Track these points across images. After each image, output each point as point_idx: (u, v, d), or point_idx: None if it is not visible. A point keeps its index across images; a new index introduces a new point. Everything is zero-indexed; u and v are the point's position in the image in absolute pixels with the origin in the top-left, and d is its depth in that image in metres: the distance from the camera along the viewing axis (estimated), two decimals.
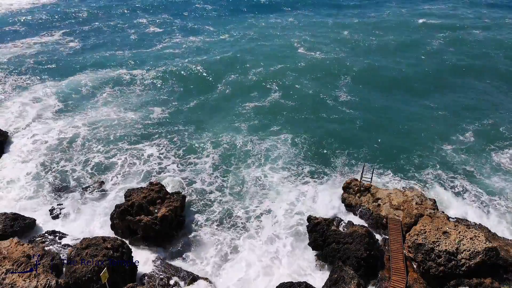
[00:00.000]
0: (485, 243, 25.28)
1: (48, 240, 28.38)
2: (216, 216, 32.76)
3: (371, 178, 34.15)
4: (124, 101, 52.15)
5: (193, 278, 26.08)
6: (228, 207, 33.64)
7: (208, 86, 56.62)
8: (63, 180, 36.64)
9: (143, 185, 34.72)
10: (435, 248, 25.56)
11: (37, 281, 22.25)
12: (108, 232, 30.02)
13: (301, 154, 40.85)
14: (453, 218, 31.14)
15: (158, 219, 29.16)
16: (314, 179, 37.19)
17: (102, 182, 36.29)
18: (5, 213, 29.74)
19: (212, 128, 45.78)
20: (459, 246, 25.33)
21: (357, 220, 31.67)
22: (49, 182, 36.15)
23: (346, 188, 33.81)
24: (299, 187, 36.08)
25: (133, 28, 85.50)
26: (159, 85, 56.68)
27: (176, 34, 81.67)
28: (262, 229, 31.34)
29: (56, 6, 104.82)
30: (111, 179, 36.84)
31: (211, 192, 35.45)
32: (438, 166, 38.96)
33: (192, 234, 30.83)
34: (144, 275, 26.11)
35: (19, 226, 28.90)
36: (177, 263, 28.05)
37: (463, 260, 24.87)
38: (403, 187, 35.69)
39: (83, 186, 35.76)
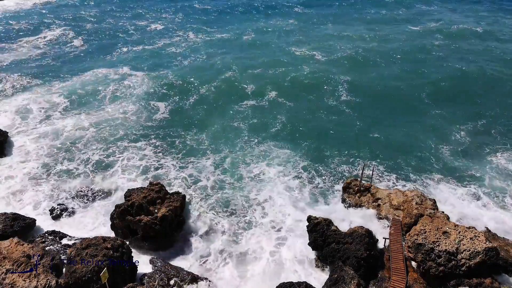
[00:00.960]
0: (485, 243, 25.25)
1: (48, 240, 28.35)
2: (216, 216, 32.75)
3: (371, 178, 34.15)
4: (126, 100, 52.19)
5: (193, 278, 26.04)
6: (228, 207, 33.63)
7: (208, 85, 56.58)
8: (64, 180, 36.63)
9: (144, 185, 34.77)
10: (435, 248, 25.54)
11: (37, 281, 22.23)
12: (108, 232, 30.03)
13: (301, 154, 40.85)
14: (453, 218, 31.12)
15: (158, 219, 29.14)
16: (314, 179, 37.19)
17: (102, 182, 36.28)
18: (5, 213, 29.72)
19: (212, 127, 45.81)
20: (459, 246, 25.31)
21: (357, 220, 31.60)
22: (49, 182, 36.15)
23: (346, 188, 33.79)
24: (299, 187, 36.08)
25: (134, 27, 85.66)
26: (160, 84, 56.63)
27: (176, 33, 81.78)
28: (262, 229, 31.32)
29: (56, 6, 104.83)
30: (112, 179, 36.82)
31: (211, 192, 35.43)
32: (438, 166, 38.99)
33: (192, 234, 30.83)
34: (144, 275, 26.08)
35: (19, 226, 28.85)
36: (177, 263, 28.04)
37: (463, 260, 24.86)
38: (403, 187, 35.70)
39: (84, 186, 35.74)
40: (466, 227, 26.89)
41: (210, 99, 52.88)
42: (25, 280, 22.23)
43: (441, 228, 26.68)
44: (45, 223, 31.47)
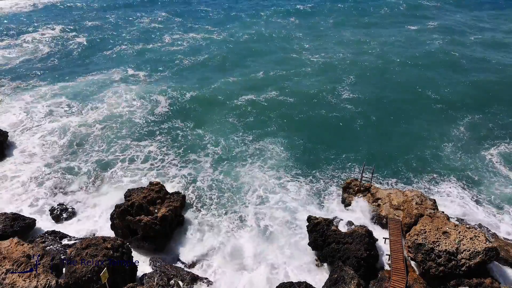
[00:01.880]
0: (485, 243, 25.26)
1: (48, 240, 28.33)
2: (216, 216, 32.74)
3: (371, 178, 34.15)
4: (127, 99, 52.18)
5: (193, 278, 26.04)
6: (228, 207, 33.62)
7: (209, 84, 56.65)
8: (64, 179, 36.61)
9: (144, 184, 34.79)
10: (435, 248, 25.55)
11: (37, 281, 22.24)
12: (108, 232, 30.02)
13: (301, 154, 40.85)
14: (453, 218, 31.14)
15: (158, 219, 29.15)
16: (314, 179, 37.18)
17: (103, 182, 36.30)
18: (5, 213, 29.71)
19: (212, 126, 45.85)
20: (459, 246, 25.32)
21: (357, 220, 31.64)
22: (50, 182, 36.12)
23: (346, 188, 33.78)
24: (298, 187, 36.09)
25: (135, 27, 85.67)
26: (160, 84, 56.71)
27: (177, 32, 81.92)
28: (262, 230, 31.31)
29: (58, 5, 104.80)
30: (112, 179, 36.85)
31: (210, 192, 35.39)
32: (438, 166, 39.01)
33: (192, 234, 30.81)
34: (144, 275, 26.07)
35: (19, 226, 28.84)
36: (177, 263, 28.06)
37: (463, 260, 24.87)
38: (403, 187, 35.70)
39: (84, 186, 35.77)
40: (466, 227, 26.90)
41: (211, 98, 52.82)
42: (25, 280, 22.23)
43: (441, 228, 26.68)
44: (45, 223, 31.47)
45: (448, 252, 25.17)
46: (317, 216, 29.82)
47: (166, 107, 50.21)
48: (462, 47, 71.90)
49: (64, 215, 32.39)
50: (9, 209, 31.78)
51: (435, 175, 37.76)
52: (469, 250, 24.99)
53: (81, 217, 32.48)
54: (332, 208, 33.73)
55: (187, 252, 29.17)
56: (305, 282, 24.55)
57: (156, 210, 30.30)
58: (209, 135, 44.18)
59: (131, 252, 26.36)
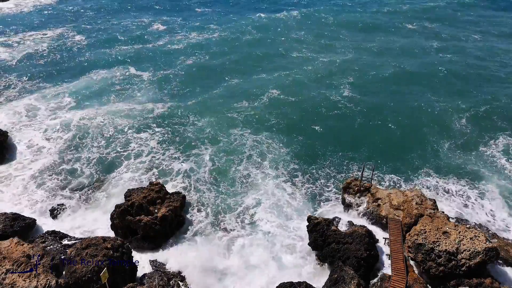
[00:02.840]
0: (485, 243, 25.26)
1: (48, 240, 28.36)
2: (216, 216, 32.74)
3: (371, 178, 34.14)
4: (129, 98, 52.27)
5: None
6: (228, 207, 33.62)
7: (209, 84, 56.63)
8: (65, 179, 36.63)
9: (144, 184, 34.80)
10: (435, 248, 25.56)
11: (37, 281, 22.26)
12: (108, 232, 30.03)
13: (302, 153, 40.80)
14: (453, 218, 31.15)
15: (158, 219, 29.17)
16: (313, 179, 37.17)
17: (103, 182, 36.33)
18: (5, 213, 29.74)
19: (212, 126, 45.75)
20: (459, 246, 25.32)
21: (357, 220, 31.66)
22: (49, 182, 36.13)
23: (346, 188, 33.77)
24: (298, 187, 36.10)
25: (136, 26, 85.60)
26: (161, 83, 56.68)
27: (177, 32, 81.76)
28: (262, 230, 31.31)
29: (58, 6, 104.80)
30: (112, 179, 36.83)
31: (210, 192, 35.39)
32: (438, 166, 38.97)
33: (192, 234, 30.84)
34: (144, 275, 26.11)
35: (19, 226, 28.88)
36: (177, 263, 28.01)
37: (463, 260, 24.87)
38: (403, 187, 35.69)
39: (84, 186, 35.78)
40: (466, 227, 26.90)
41: (211, 97, 52.74)
42: (25, 280, 22.25)
43: (441, 228, 26.68)
44: (45, 223, 31.49)
45: (448, 252, 25.17)
46: (317, 216, 29.86)
47: (167, 107, 50.10)
48: (463, 47, 71.88)
49: (64, 215, 32.40)
50: (9, 209, 31.76)
51: (435, 175, 37.72)
52: (469, 250, 24.99)
53: (81, 217, 32.45)
54: (332, 208, 33.73)
55: (187, 252, 29.10)
56: (305, 282, 24.57)
57: (156, 210, 30.32)
58: (209, 132, 44.17)
59: (131, 252, 26.39)
